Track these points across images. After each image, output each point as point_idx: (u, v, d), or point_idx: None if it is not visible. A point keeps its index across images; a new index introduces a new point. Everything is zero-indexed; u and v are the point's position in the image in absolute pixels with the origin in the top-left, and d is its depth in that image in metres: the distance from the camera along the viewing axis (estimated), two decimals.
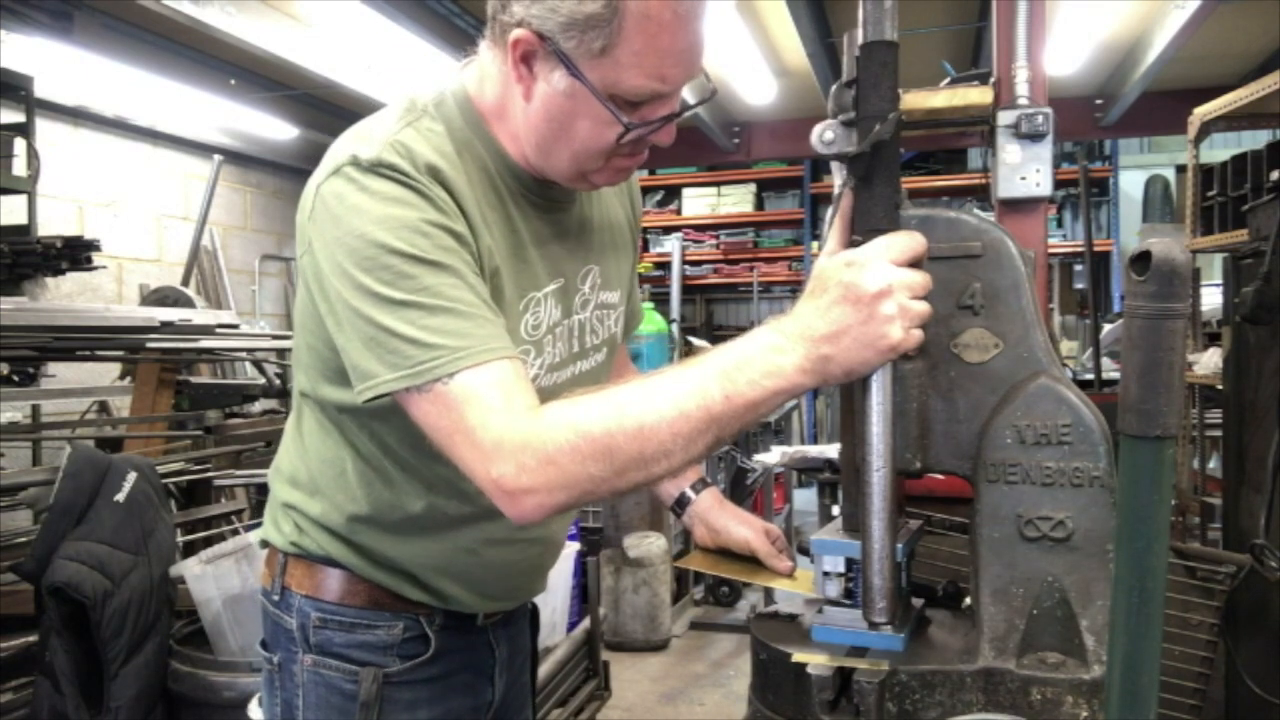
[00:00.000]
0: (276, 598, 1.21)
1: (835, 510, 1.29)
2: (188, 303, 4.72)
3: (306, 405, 1.21)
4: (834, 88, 1.00)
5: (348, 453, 1.16)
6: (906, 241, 0.93)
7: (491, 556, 1.20)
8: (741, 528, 1.37)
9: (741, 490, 5.49)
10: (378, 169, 1.00)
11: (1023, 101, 3.29)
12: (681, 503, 1.43)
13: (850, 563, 1.13)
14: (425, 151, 1.03)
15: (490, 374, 0.95)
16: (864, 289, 0.89)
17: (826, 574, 1.13)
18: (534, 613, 1.44)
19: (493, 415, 0.93)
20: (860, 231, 0.98)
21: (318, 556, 1.19)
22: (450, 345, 0.95)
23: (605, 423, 0.91)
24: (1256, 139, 4.86)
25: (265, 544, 1.27)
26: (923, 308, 0.93)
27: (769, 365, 0.91)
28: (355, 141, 1.04)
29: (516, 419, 0.93)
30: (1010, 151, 3.28)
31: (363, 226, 0.98)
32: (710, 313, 9.22)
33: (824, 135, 1.00)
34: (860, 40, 0.98)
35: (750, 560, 1.38)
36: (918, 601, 1.21)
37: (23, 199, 4.65)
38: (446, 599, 1.20)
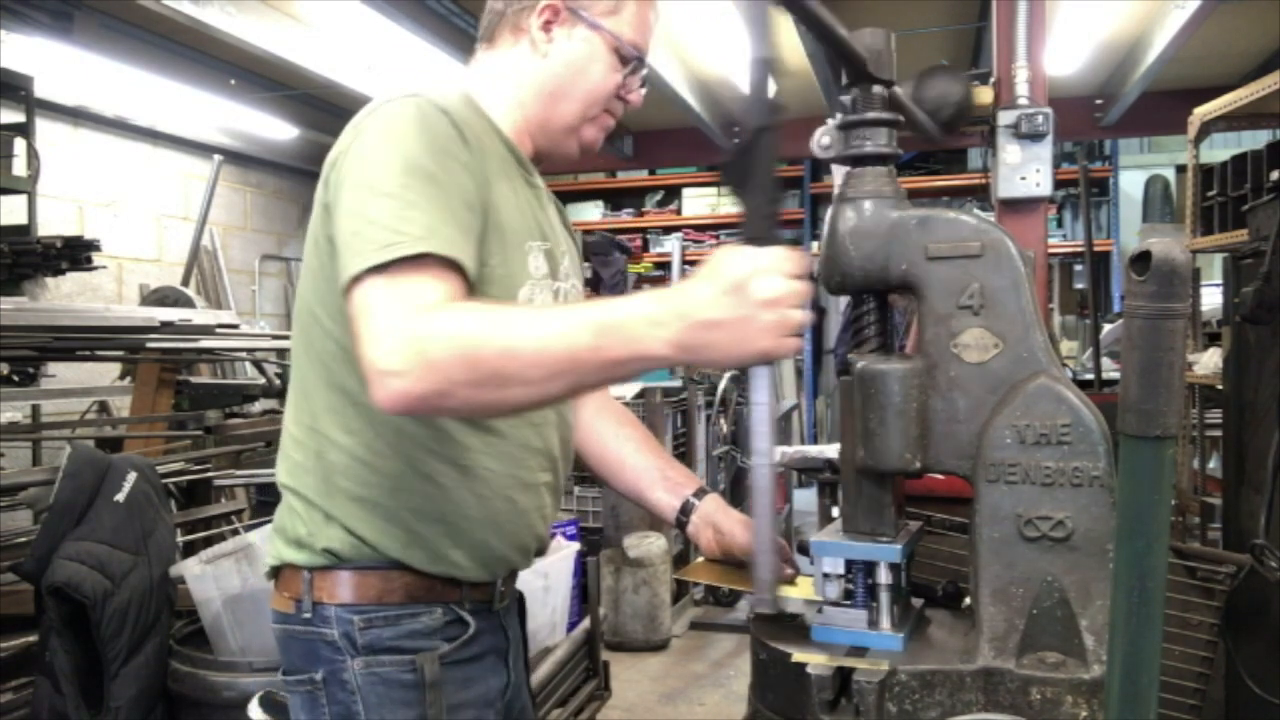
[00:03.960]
0: (308, 615, 1.20)
1: (835, 512, 1.29)
2: (188, 303, 4.72)
3: (325, 391, 1.20)
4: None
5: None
6: (796, 257, 0.96)
7: (521, 502, 1.25)
8: (746, 532, 1.38)
9: (741, 490, 5.50)
10: (427, 101, 1.13)
11: (1023, 101, 3.29)
12: (686, 510, 1.45)
13: (850, 564, 1.13)
14: (459, 105, 1.18)
15: (411, 269, 1.01)
16: (754, 292, 0.93)
17: (826, 576, 1.13)
18: (520, 600, 1.47)
19: (394, 306, 1.00)
20: (744, 239, 0.97)
21: (347, 560, 1.18)
22: (391, 240, 1.02)
23: (480, 336, 0.97)
24: (1256, 139, 4.86)
25: (277, 571, 1.25)
26: (802, 317, 0.96)
27: (641, 333, 0.96)
28: (405, 89, 1.16)
29: (411, 313, 0.99)
30: (1010, 151, 3.29)
31: (405, 134, 1.09)
32: None
33: (821, 140, 1.02)
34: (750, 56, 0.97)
35: None
36: (918, 601, 1.21)
37: (23, 199, 4.65)
38: (485, 555, 1.23)
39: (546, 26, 1.27)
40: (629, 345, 0.95)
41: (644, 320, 0.95)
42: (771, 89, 0.95)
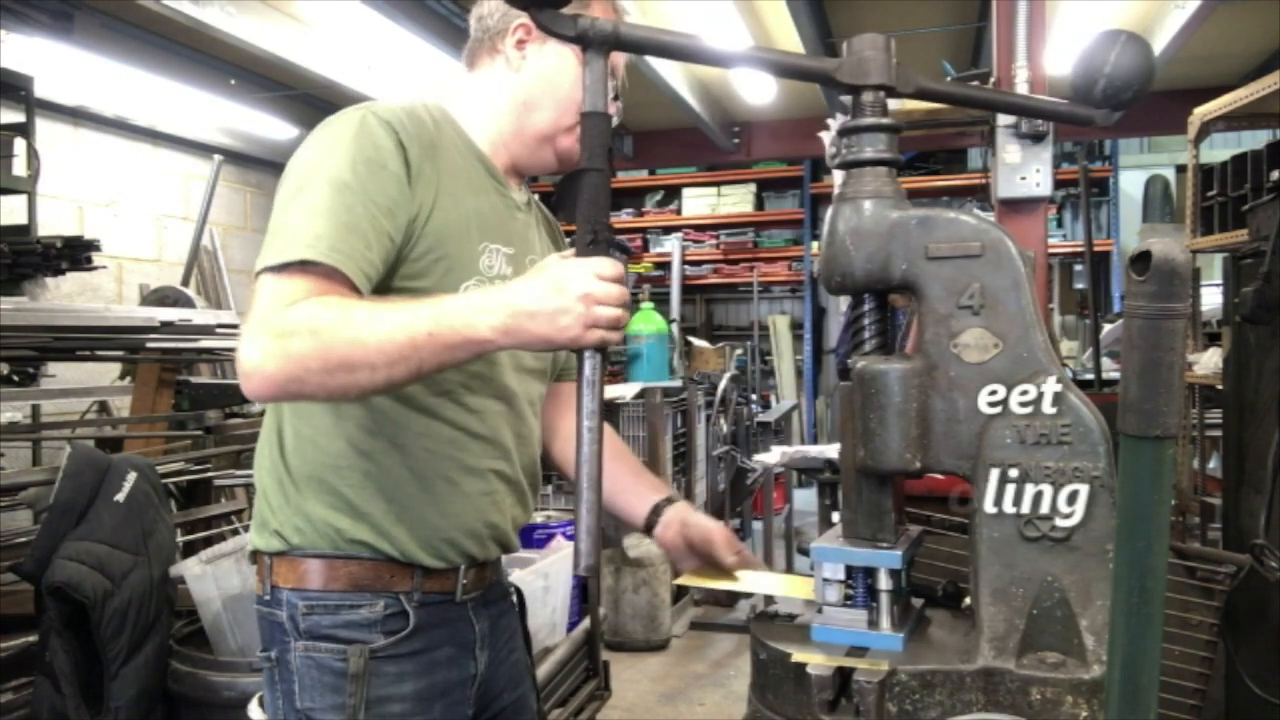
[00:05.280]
0: (268, 598, 1.29)
1: (835, 517, 1.29)
2: (188, 303, 4.72)
3: None
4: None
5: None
6: (612, 266, 1.09)
7: (465, 485, 1.30)
8: (709, 522, 1.46)
9: (741, 490, 5.50)
10: (370, 113, 1.22)
11: None
12: (656, 512, 1.50)
13: (850, 569, 1.13)
14: (413, 116, 1.26)
15: (298, 272, 1.12)
16: (567, 285, 1.07)
17: (826, 580, 1.14)
18: (519, 594, 1.53)
19: (269, 305, 1.11)
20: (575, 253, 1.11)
21: (296, 547, 1.26)
22: (287, 244, 1.12)
23: (331, 330, 1.07)
24: (1256, 139, 4.85)
25: (255, 556, 1.33)
26: (610, 313, 1.07)
27: (472, 320, 1.08)
28: (365, 103, 1.27)
29: (278, 312, 1.10)
30: (1010, 151, 3.29)
31: (335, 145, 1.19)
32: (710, 313, 9.22)
33: (829, 150, 1.04)
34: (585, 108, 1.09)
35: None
36: (918, 601, 1.21)
37: (23, 199, 4.65)
38: (430, 536, 1.27)
39: (520, 45, 1.37)
40: (460, 331, 1.08)
41: (475, 309, 1.09)
42: (606, 141, 1.09)
